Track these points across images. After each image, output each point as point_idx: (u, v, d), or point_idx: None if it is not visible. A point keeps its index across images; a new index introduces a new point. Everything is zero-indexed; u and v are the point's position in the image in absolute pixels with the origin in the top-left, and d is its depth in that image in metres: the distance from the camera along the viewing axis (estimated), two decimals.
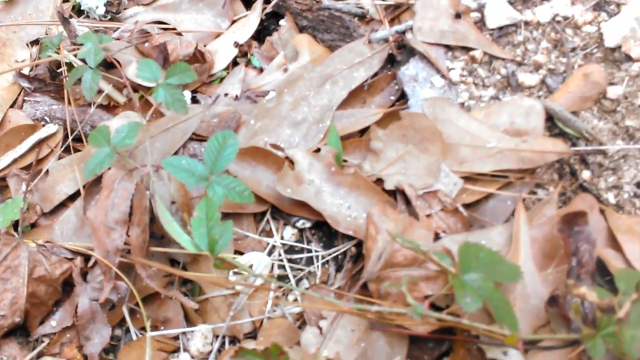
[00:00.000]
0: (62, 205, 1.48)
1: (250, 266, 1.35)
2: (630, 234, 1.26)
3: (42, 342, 1.34)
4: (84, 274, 1.33)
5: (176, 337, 1.32)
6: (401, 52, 1.62)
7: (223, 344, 1.32)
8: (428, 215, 1.34)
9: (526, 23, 1.59)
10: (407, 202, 1.38)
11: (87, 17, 1.82)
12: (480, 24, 1.62)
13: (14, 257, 1.30)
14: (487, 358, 1.19)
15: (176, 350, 1.31)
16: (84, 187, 1.46)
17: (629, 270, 1.13)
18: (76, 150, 1.57)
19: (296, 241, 1.44)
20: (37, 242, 1.33)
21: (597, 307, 1.06)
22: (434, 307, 1.20)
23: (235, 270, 1.34)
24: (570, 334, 1.15)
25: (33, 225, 1.44)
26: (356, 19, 1.72)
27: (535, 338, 1.13)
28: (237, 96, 1.64)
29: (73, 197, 1.49)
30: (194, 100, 1.65)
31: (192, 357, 1.30)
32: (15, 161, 1.55)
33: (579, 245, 1.25)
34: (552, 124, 1.43)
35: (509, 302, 1.07)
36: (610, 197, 1.35)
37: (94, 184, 1.45)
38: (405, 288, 1.09)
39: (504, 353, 1.18)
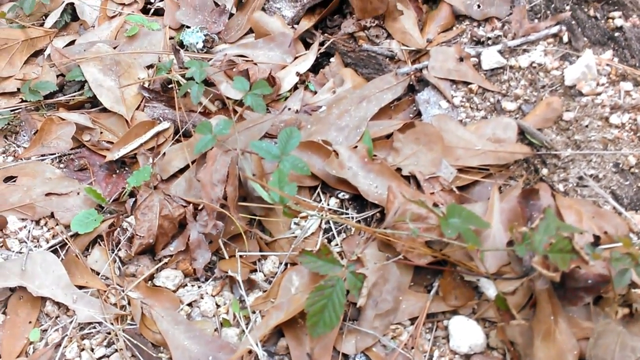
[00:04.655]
0: (174, 176, 1.86)
1: (305, 217, 1.74)
2: (570, 208, 1.61)
3: (163, 260, 1.75)
4: (194, 216, 1.74)
5: (254, 262, 1.70)
6: (419, 83, 1.94)
7: (285, 268, 1.69)
8: (432, 193, 1.68)
9: (511, 67, 1.89)
10: (418, 184, 1.70)
11: (187, 50, 2.21)
12: (477, 66, 1.93)
13: (150, 200, 1.74)
14: (466, 280, 1.58)
15: (254, 271, 1.70)
16: (193, 162, 1.86)
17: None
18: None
19: (338, 207, 1.75)
20: (165, 192, 1.77)
21: None
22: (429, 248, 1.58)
23: (295, 221, 1.76)
24: (522, 268, 1.55)
25: (155, 188, 1.80)
26: (387, 59, 2.03)
27: (486, 249, 1.53)
28: (297, 110, 1.97)
29: (182, 170, 1.86)
30: (267, 111, 1.96)
31: (265, 275, 1.69)
32: (141, 145, 1.94)
33: (532, 213, 1.60)
34: (524, 136, 1.75)
35: (475, 235, 1.43)
36: (560, 187, 1.68)
37: (199, 160, 1.84)
38: (409, 220, 1.49)
39: (477, 280, 1.58)
